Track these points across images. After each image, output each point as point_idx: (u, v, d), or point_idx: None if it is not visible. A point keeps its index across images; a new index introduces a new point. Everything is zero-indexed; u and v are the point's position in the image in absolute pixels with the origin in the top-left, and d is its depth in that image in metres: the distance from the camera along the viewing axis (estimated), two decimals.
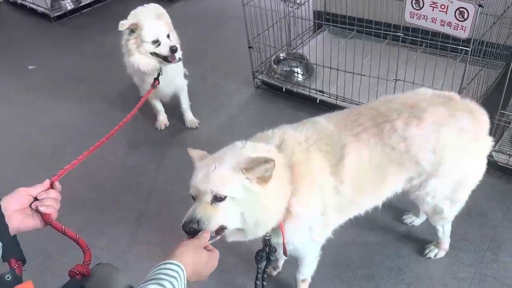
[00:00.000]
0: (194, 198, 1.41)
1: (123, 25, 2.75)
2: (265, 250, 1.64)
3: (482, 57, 2.72)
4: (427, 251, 2.15)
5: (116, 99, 3.72)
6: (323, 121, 1.68)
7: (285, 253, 1.61)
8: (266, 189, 1.37)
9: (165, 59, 2.81)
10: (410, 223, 2.31)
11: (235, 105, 3.49)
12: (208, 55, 4.15)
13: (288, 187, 1.47)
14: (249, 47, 3.37)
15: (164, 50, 2.79)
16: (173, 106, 3.36)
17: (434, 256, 2.13)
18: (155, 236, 2.47)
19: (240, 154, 1.42)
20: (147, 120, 3.39)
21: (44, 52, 4.65)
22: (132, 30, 2.79)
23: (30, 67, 4.37)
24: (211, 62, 4.02)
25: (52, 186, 1.38)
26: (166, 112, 3.34)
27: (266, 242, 1.60)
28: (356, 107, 1.78)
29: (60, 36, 4.96)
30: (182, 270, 1.06)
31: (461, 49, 2.42)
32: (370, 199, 1.74)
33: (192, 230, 1.31)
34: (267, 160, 1.34)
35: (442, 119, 1.60)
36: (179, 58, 2.93)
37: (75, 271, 1.26)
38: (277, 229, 1.54)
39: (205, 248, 1.25)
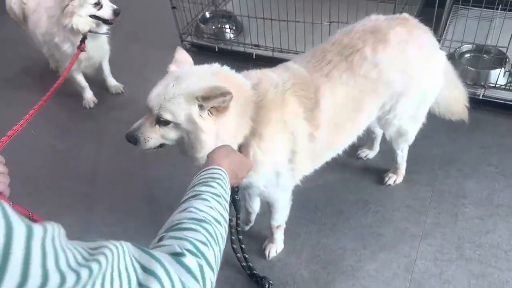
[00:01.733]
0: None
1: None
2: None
3: None
4: (386, 179, 2.24)
5: (19, 79, 3.35)
6: (294, 65, 1.63)
7: None
8: (217, 121, 1.34)
9: (106, 22, 2.66)
10: (365, 156, 2.39)
11: (166, 71, 3.30)
12: (125, 23, 3.83)
13: (246, 124, 1.43)
14: (173, 8, 3.18)
15: (107, 13, 2.63)
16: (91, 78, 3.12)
17: (394, 183, 2.23)
18: (112, 218, 2.29)
19: (206, 78, 1.37)
20: (68, 97, 3.10)
21: None
22: None
23: None
24: (131, 31, 3.75)
25: None
26: None
27: None
28: (318, 45, 1.75)
29: None
30: (224, 172, 1.03)
31: None
32: (348, 137, 1.75)
33: (133, 142, 1.40)
34: (223, 93, 1.28)
35: (404, 38, 1.62)
36: (107, 32, 2.79)
37: None
38: None
39: None
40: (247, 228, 2.13)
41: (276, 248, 2.00)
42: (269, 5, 2.87)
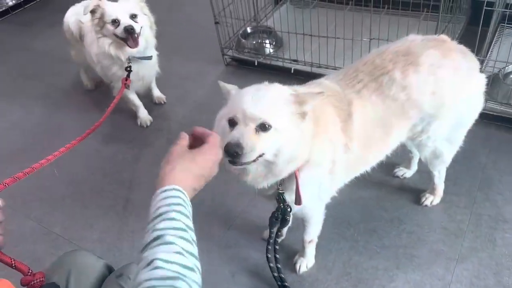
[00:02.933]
0: (232, 122, 1.33)
1: (87, 8, 2.57)
2: (280, 210, 1.61)
3: (450, 13, 2.79)
4: (423, 199, 2.20)
5: (77, 91, 3.53)
6: (326, 81, 1.67)
7: (299, 200, 1.53)
8: (303, 125, 1.37)
9: (126, 42, 2.58)
10: (402, 175, 2.36)
11: (207, 85, 3.40)
12: (169, 37, 4.00)
13: (312, 126, 1.45)
14: (216, 23, 3.28)
15: (119, 30, 2.53)
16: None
17: (431, 203, 2.18)
18: (147, 222, 2.37)
19: (283, 88, 1.42)
20: (117, 106, 3.24)
21: None
22: (94, 10, 2.60)
23: None
24: (175, 44, 3.89)
25: None
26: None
27: (280, 198, 1.57)
28: (351, 64, 1.77)
29: (6, 34, 4.63)
30: (181, 191, 0.95)
31: (432, 5, 2.47)
32: (377, 154, 1.75)
33: (235, 154, 1.25)
34: (319, 93, 1.36)
35: (437, 61, 1.61)
36: (150, 56, 2.75)
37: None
38: (290, 182, 1.52)
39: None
40: (279, 240, 2.14)
41: (307, 263, 2.00)
42: (309, 21, 2.91)
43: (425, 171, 2.22)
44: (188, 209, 0.94)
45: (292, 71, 3.14)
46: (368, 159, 1.74)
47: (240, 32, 3.43)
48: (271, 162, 1.38)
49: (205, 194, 2.44)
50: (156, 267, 0.77)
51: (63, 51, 4.06)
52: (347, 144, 1.58)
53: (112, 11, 2.55)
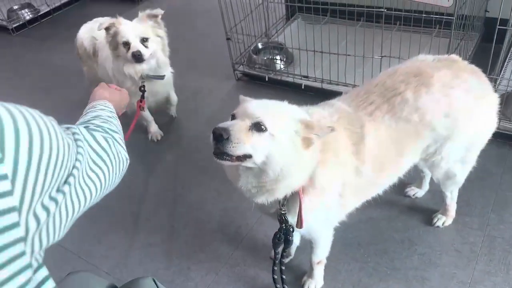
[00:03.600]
0: (233, 117, 1.37)
1: (102, 24, 2.58)
2: (282, 230, 1.59)
3: (462, 30, 2.76)
4: (435, 220, 2.15)
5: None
6: (338, 103, 1.66)
7: (300, 224, 1.51)
8: (304, 151, 1.35)
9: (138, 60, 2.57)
10: (413, 195, 2.32)
11: (218, 99, 3.42)
12: (182, 53, 4.04)
13: (317, 156, 1.43)
14: (227, 39, 3.30)
15: (128, 54, 2.54)
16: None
17: (443, 224, 2.14)
18: (155, 237, 2.37)
19: (298, 109, 1.42)
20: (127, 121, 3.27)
21: (8, 64, 4.42)
22: (108, 28, 2.61)
23: None
24: (186, 60, 3.93)
25: None
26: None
27: (282, 218, 1.55)
28: (362, 86, 1.76)
29: (22, 48, 4.73)
30: (112, 106, 1.30)
31: (444, 21, 2.45)
32: (390, 176, 1.72)
33: (219, 137, 1.25)
34: (333, 129, 1.35)
35: (449, 81, 1.59)
36: (162, 76, 2.72)
37: None
38: (293, 204, 1.50)
39: None
40: (286, 260, 2.11)
41: (315, 284, 1.96)
42: (320, 37, 2.91)
43: (437, 191, 2.18)
44: (117, 121, 1.25)
45: (303, 87, 3.13)
46: (381, 182, 1.72)
47: (252, 48, 3.44)
48: (261, 171, 1.34)
49: (213, 211, 2.45)
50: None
51: (76, 66, 4.13)
52: (358, 168, 1.56)
53: (124, 32, 2.53)
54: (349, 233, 2.17)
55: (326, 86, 3.03)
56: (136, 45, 2.53)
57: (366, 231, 2.20)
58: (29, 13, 5.14)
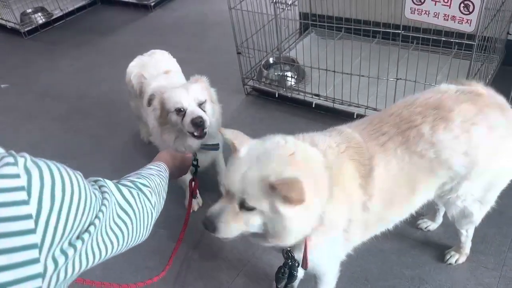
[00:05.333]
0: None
1: (145, 99, 2.23)
2: (287, 265, 1.50)
3: (484, 52, 2.64)
4: (447, 257, 2.03)
5: (99, 116, 3.52)
6: (348, 130, 1.55)
7: (305, 265, 1.45)
8: (293, 209, 1.23)
9: (193, 135, 2.05)
10: (426, 228, 2.20)
11: (227, 114, 3.30)
12: (192, 64, 3.96)
13: (325, 195, 1.33)
14: (238, 53, 3.23)
15: (186, 122, 2.00)
16: None
17: (455, 262, 2.02)
18: (153, 260, 2.28)
19: (283, 161, 1.27)
20: (136, 136, 3.21)
21: (17, 69, 4.40)
22: (150, 101, 2.18)
23: (2, 85, 4.12)
24: (197, 72, 3.82)
25: None
26: None
27: (288, 254, 1.46)
28: (376, 113, 1.67)
29: (33, 52, 4.71)
30: (165, 167, 1.33)
31: (465, 43, 2.34)
32: (400, 213, 1.62)
33: (211, 228, 1.31)
34: (294, 183, 1.20)
35: (471, 117, 1.47)
36: (216, 144, 2.18)
37: None
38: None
39: None
40: None
41: None
42: (333, 53, 2.81)
43: (451, 225, 2.05)
44: (165, 175, 1.31)
45: (313, 106, 3.03)
46: (389, 218, 1.61)
47: (263, 62, 3.36)
48: (264, 234, 1.32)
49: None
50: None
51: (88, 73, 4.11)
52: (365, 203, 1.46)
53: (176, 97, 2.03)
54: (357, 266, 2.06)
55: (337, 106, 2.93)
56: (194, 110, 2.00)
57: (375, 264, 2.09)
58: (42, 17, 5.13)
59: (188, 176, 2.08)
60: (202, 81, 2.20)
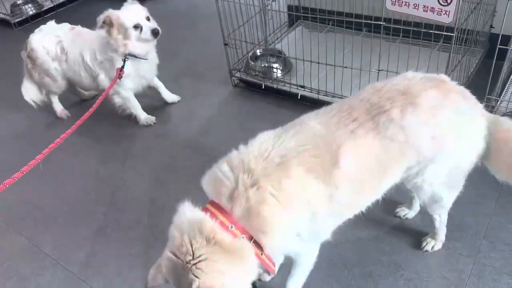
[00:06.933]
0: None
1: (99, 20, 2.74)
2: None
3: (464, 45, 2.68)
4: (424, 244, 2.08)
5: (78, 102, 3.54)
6: (311, 122, 1.54)
7: (272, 271, 1.53)
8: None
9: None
10: (404, 216, 2.24)
11: (214, 105, 3.36)
12: (181, 56, 4.00)
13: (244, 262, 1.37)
14: (225, 44, 3.25)
15: (146, 34, 2.80)
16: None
17: (432, 249, 2.06)
18: (136, 247, 2.31)
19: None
20: (120, 125, 3.22)
21: (8, 60, 4.39)
22: (110, 23, 2.76)
23: None
24: (185, 63, 3.88)
25: None
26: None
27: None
28: (345, 100, 1.68)
29: (22, 43, 4.69)
30: None
31: (445, 35, 2.37)
32: (371, 196, 1.64)
33: None
34: None
35: (437, 102, 1.52)
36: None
37: None
38: None
39: None
40: (268, 278, 2.05)
41: None
42: (318, 46, 2.84)
43: (427, 213, 2.10)
44: None
45: (299, 97, 3.06)
46: (359, 203, 1.64)
47: (250, 54, 3.38)
48: None
49: None
50: None
51: None
52: (331, 195, 1.47)
53: (130, 18, 2.77)
54: (335, 254, 2.10)
55: (322, 97, 2.96)
56: (148, 24, 2.81)
57: (353, 251, 2.13)
58: (32, 8, 5.12)
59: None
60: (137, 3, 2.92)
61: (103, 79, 3.01)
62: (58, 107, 3.41)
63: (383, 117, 1.51)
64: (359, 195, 1.56)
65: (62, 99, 3.45)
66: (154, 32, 2.80)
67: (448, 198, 1.79)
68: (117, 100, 3.09)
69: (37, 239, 2.45)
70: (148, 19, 2.83)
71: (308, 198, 1.43)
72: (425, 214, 2.19)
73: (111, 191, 2.69)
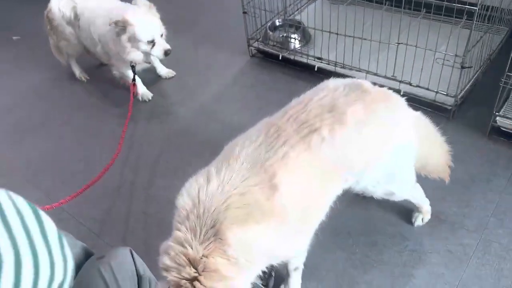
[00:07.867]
0: None
1: (111, 18, 2.67)
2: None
3: (488, 22, 2.61)
4: (414, 220, 2.09)
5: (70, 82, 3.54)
6: (237, 165, 1.43)
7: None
8: None
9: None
10: None
11: (230, 74, 3.37)
12: (199, 24, 3.99)
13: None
14: (244, 13, 3.22)
15: (158, 52, 2.79)
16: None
17: (423, 221, 2.08)
18: (151, 208, 2.38)
19: None
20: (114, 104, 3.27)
21: (28, 22, 4.44)
22: (122, 27, 2.69)
23: (14, 37, 4.19)
24: (203, 32, 3.87)
25: None
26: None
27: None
28: (271, 119, 1.59)
29: (44, 4, 4.73)
30: None
31: (468, 11, 2.32)
32: (317, 216, 1.61)
33: None
34: None
35: (362, 118, 1.53)
36: None
37: None
38: None
39: None
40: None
41: None
42: (339, 18, 2.80)
43: (438, 188, 2.10)
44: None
45: (316, 69, 3.04)
46: (310, 225, 1.61)
47: (269, 24, 3.36)
48: None
49: None
50: None
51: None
52: (281, 224, 1.42)
53: (146, 32, 2.71)
54: (340, 222, 2.11)
55: (339, 69, 2.94)
56: (162, 43, 2.78)
57: (359, 221, 2.16)
58: None
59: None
60: (153, 9, 2.82)
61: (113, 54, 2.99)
62: (76, 69, 3.45)
63: (314, 137, 1.46)
64: (306, 218, 1.54)
65: (80, 61, 3.50)
66: (166, 54, 2.79)
67: (401, 190, 1.85)
68: (114, 72, 3.13)
69: (53, 194, 2.53)
70: (161, 35, 2.79)
71: (259, 246, 1.40)
72: (435, 189, 2.18)
73: (127, 152, 2.76)
